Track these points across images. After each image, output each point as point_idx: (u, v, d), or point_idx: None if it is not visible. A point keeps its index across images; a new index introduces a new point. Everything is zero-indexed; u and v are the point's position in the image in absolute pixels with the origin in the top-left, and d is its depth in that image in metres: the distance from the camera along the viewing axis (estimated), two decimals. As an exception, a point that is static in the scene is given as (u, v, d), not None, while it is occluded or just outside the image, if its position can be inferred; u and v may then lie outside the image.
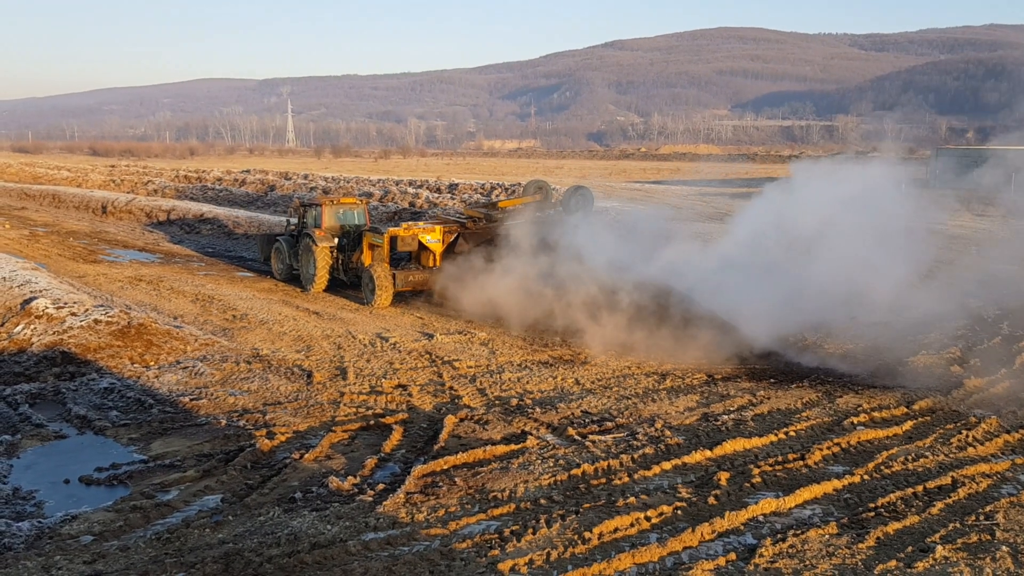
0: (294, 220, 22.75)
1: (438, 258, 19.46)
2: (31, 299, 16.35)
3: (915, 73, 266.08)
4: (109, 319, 15.12)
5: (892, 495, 8.81)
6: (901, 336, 14.83)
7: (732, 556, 7.54)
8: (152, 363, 13.95)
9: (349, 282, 20.94)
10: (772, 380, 13.17)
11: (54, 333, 14.61)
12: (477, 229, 19.53)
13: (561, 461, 9.78)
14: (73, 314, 15.37)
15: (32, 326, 15.06)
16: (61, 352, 13.95)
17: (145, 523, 8.36)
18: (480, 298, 17.49)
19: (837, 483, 9.09)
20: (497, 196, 34.65)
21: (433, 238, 19.44)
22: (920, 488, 9.00)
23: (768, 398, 12.22)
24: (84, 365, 13.60)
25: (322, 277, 20.76)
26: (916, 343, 14.55)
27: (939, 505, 8.55)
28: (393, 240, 19.44)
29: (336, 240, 20.87)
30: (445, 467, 9.65)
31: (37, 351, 14.08)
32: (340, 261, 20.89)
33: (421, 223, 20.47)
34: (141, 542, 7.90)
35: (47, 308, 15.68)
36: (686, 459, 9.79)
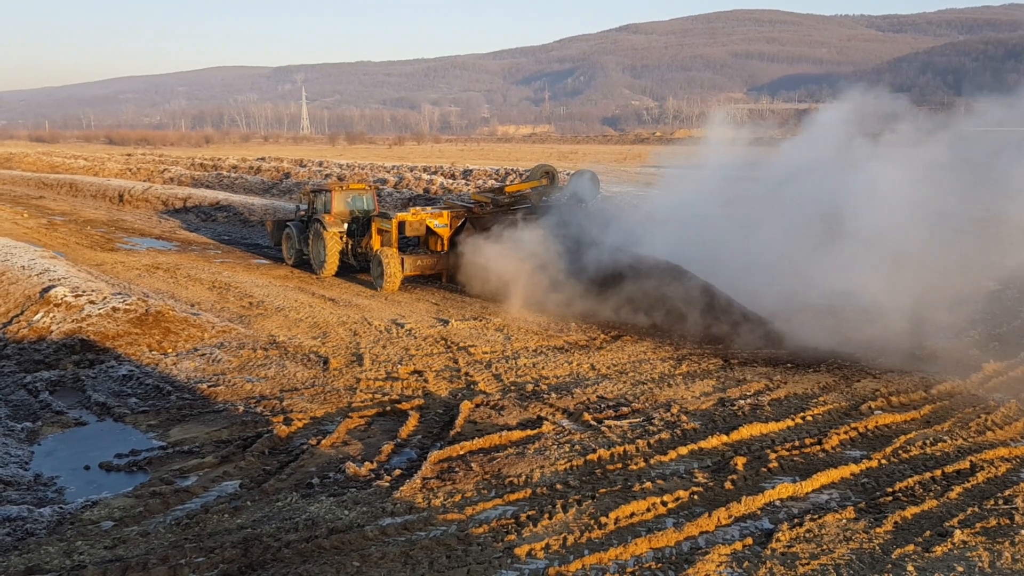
0: (304, 206, 22.91)
1: (446, 242, 19.57)
2: (50, 287, 16.47)
3: (933, 54, 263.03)
4: (127, 307, 15.22)
5: (910, 479, 8.77)
6: (919, 319, 14.71)
7: (749, 540, 7.54)
8: (170, 350, 14.04)
9: (359, 267, 21.12)
10: (789, 365, 13.12)
11: (73, 321, 14.73)
12: (484, 213, 19.55)
13: (577, 446, 9.79)
14: (91, 302, 15.48)
15: (51, 314, 15.19)
16: (80, 340, 14.06)
17: (164, 509, 8.43)
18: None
19: (854, 467, 9.05)
20: (511, 181, 34.57)
21: (441, 223, 19.56)
22: (938, 472, 8.95)
23: (785, 383, 12.18)
24: (103, 352, 13.71)
25: (332, 262, 20.95)
26: (934, 326, 14.44)
27: (957, 489, 8.50)
28: (401, 225, 19.60)
29: (345, 225, 21.01)
30: (461, 453, 9.68)
31: (56, 339, 14.20)
32: (350, 246, 21.04)
33: (429, 208, 20.55)
34: (161, 527, 7.97)
35: (66, 296, 15.79)
36: (702, 444, 9.78)
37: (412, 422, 10.70)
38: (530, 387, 12.10)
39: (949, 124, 19.27)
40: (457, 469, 9.26)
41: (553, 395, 11.75)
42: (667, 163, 54.23)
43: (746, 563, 7.15)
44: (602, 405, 11.32)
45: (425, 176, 40.20)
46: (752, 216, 17.99)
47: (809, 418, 10.70)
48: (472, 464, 9.37)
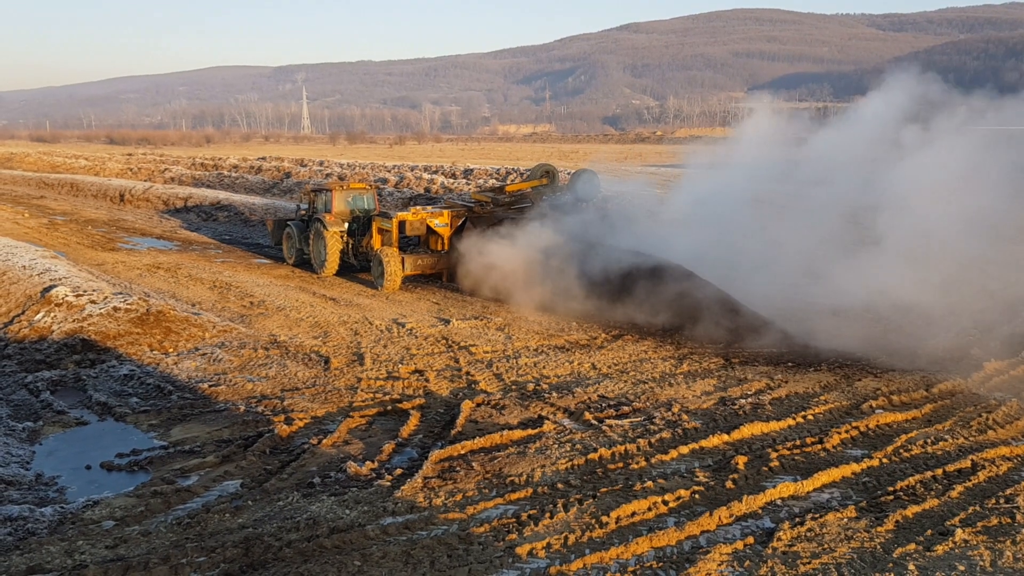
0: (305, 205, 22.96)
1: (446, 242, 19.58)
2: (51, 287, 16.48)
3: (934, 53, 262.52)
4: (128, 306, 15.22)
5: (911, 478, 8.77)
6: (920, 318, 14.71)
7: (750, 540, 7.54)
8: (171, 350, 14.05)
9: (359, 266, 21.15)
10: (790, 364, 13.11)
11: (74, 321, 14.73)
12: (484, 213, 19.56)
13: (578, 446, 9.79)
14: (92, 302, 15.48)
15: (52, 314, 15.19)
16: (81, 339, 14.07)
17: (166, 508, 8.43)
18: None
19: (856, 466, 9.05)
20: (512, 181, 34.57)
21: (441, 222, 19.58)
22: (939, 471, 8.95)
23: (786, 382, 12.17)
24: (104, 352, 13.72)
25: (332, 261, 21.00)
26: (936, 325, 14.43)
27: (959, 488, 8.50)
28: (402, 224, 19.64)
29: (346, 225, 21.04)
30: (462, 452, 9.68)
31: (57, 339, 14.20)
32: (350, 246, 21.08)
33: (429, 208, 20.57)
34: (162, 527, 7.98)
35: (67, 296, 15.80)
36: (703, 443, 9.78)
37: (413, 421, 10.70)
38: (531, 386, 12.10)
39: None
40: (458, 468, 9.26)
41: (554, 394, 11.75)
42: (670, 162, 54.27)
43: (747, 562, 7.15)
44: (603, 404, 11.32)
45: (426, 175, 40.20)
46: (773, 217, 17.82)
47: (810, 417, 10.70)
48: (473, 463, 9.37)
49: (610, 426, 10.37)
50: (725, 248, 17.19)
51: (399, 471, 9.22)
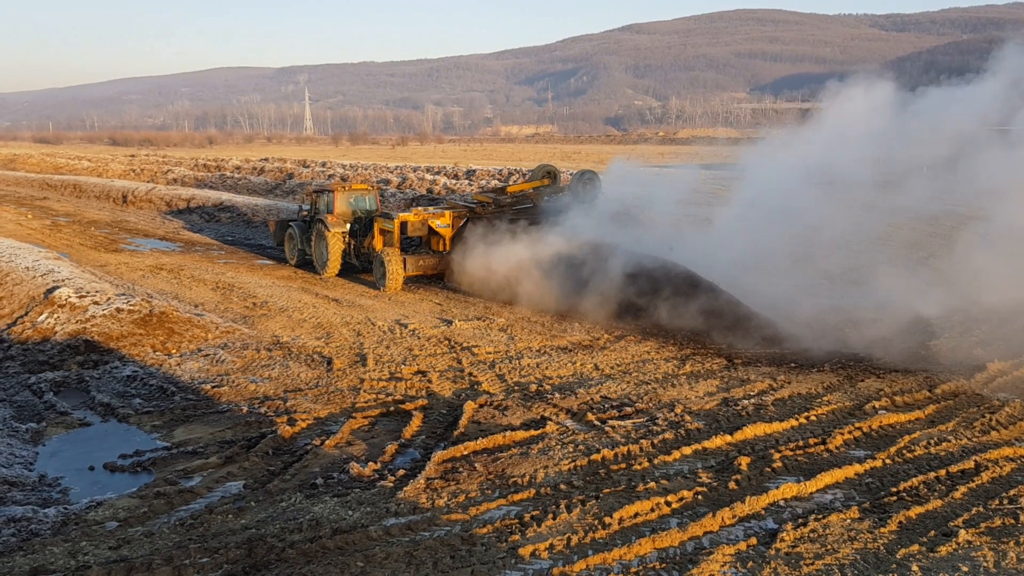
0: (307, 206, 22.97)
1: (448, 243, 19.59)
2: (54, 288, 16.50)
3: (936, 53, 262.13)
4: (131, 308, 15.24)
5: (914, 479, 8.76)
6: (922, 319, 14.68)
7: (753, 541, 7.53)
8: (174, 351, 14.06)
9: (361, 267, 21.17)
10: (793, 364, 13.10)
11: (77, 322, 14.75)
12: (486, 213, 19.57)
13: (581, 446, 9.79)
14: (95, 303, 15.50)
15: (55, 315, 15.21)
16: (84, 340, 14.09)
17: (169, 509, 8.44)
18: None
19: (859, 467, 9.04)
20: (514, 182, 34.57)
21: (443, 223, 19.60)
22: (943, 472, 8.94)
23: (789, 383, 12.16)
24: (107, 353, 13.73)
25: (334, 262, 21.03)
26: (938, 326, 14.41)
27: (962, 489, 8.49)
28: (403, 225, 19.67)
29: (348, 226, 21.05)
30: (465, 453, 9.68)
31: (61, 340, 14.22)
32: (352, 246, 21.10)
33: (431, 208, 20.59)
34: (165, 528, 7.99)
35: (70, 297, 15.82)
36: (706, 444, 9.77)
37: (416, 422, 10.71)
38: (534, 387, 12.10)
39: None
40: (461, 469, 9.26)
41: (557, 395, 11.75)
42: (674, 162, 54.24)
43: (750, 563, 7.15)
44: (606, 405, 11.32)
45: (428, 176, 40.23)
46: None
47: (813, 418, 10.69)
48: (476, 464, 9.37)
49: (613, 427, 10.37)
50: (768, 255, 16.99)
51: (402, 472, 9.22)
